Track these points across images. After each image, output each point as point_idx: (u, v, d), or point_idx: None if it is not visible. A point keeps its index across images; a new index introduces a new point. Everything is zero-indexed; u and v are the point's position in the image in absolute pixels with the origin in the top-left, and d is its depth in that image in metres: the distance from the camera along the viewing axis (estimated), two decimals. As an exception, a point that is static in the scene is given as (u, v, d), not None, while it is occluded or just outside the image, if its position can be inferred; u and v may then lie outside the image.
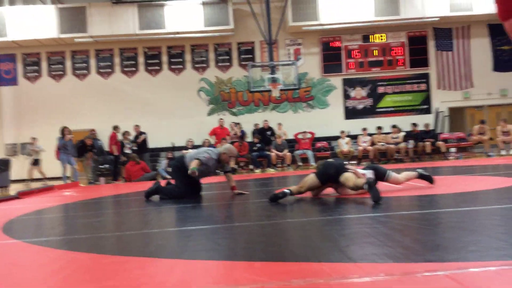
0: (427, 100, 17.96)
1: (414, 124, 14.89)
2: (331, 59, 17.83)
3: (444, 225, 3.13)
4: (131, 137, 14.12)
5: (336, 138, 15.73)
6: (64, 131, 12.37)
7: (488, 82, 17.90)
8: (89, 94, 17.25)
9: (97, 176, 13.25)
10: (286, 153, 14.07)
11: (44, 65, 17.42)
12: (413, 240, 2.71)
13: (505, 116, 17.81)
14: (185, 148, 14.40)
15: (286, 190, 5.13)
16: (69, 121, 15.48)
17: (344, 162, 5.45)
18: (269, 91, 14.93)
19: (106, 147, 14.36)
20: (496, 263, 2.04)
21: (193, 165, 5.96)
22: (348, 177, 5.00)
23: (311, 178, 5.23)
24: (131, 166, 12.52)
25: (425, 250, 2.42)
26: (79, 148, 13.04)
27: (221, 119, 15.58)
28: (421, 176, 5.58)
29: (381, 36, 17.85)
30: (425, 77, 17.96)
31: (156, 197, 6.47)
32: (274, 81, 14.07)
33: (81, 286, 2.17)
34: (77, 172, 12.57)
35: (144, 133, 14.21)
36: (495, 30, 17.60)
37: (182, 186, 6.30)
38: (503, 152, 13.58)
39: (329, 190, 5.52)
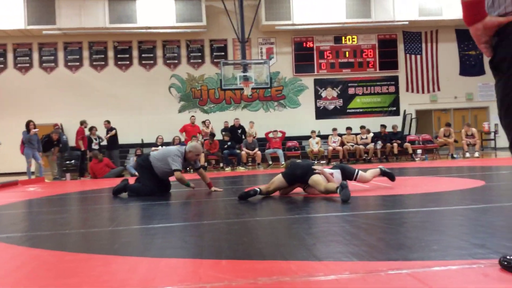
0: (395, 102, 18.31)
1: (383, 126, 15.14)
2: (303, 59, 17.97)
3: (408, 224, 3.18)
4: (98, 133, 13.89)
5: (307, 137, 15.84)
6: (29, 125, 12.05)
7: (454, 86, 18.39)
8: (56, 88, 16.87)
9: (63, 172, 12.97)
10: (257, 151, 14.09)
11: (10, 56, 16.93)
12: (378, 239, 2.75)
13: (471, 119, 18.33)
14: (155, 145, 14.24)
15: (256, 189, 5.13)
16: (35, 114, 15.08)
17: (313, 162, 5.48)
18: (241, 89, 14.93)
19: (72, 142, 14.10)
20: (457, 262, 2.09)
21: (181, 177, 6.20)
22: (317, 181, 5.04)
23: (278, 178, 5.26)
24: (94, 164, 12.27)
25: (389, 249, 2.46)
26: (45, 143, 12.72)
27: (193, 116, 15.47)
28: (384, 173, 5.69)
29: (353, 38, 18.10)
30: (394, 80, 18.31)
31: (124, 194, 6.38)
32: (246, 79, 14.07)
33: (43, 283, 2.11)
34: (42, 167, 12.26)
35: (114, 129, 13.97)
36: (462, 35, 18.09)
37: (149, 184, 6.25)
38: (467, 155, 13.95)
39: (298, 189, 5.56)
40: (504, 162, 10.00)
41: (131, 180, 6.81)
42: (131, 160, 13.59)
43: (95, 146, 13.46)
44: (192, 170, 7.04)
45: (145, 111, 17.17)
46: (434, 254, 2.27)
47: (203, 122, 15.44)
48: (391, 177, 5.69)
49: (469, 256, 2.18)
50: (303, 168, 5.23)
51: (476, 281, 1.81)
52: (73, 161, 13.35)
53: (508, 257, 1.94)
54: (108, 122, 14.13)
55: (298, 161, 5.59)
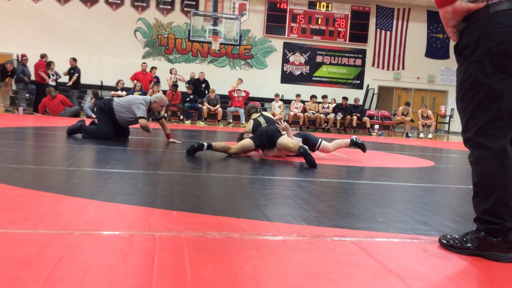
0: (360, 76, 18.51)
1: (345, 98, 15.33)
2: (275, 20, 17.74)
3: (358, 195, 3.28)
4: (56, 69, 13.37)
5: (269, 100, 15.86)
6: None
7: (418, 67, 18.73)
8: (14, 17, 15.98)
9: (15, 105, 12.47)
10: (218, 108, 14.00)
11: (-35, -23, 15.82)
12: (327, 206, 2.82)
13: (429, 101, 18.83)
14: (115, 88, 13.86)
15: (204, 143, 5.04)
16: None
17: (275, 124, 5.45)
18: (209, 43, 14.64)
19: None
20: (400, 235, 2.18)
21: (146, 125, 6.09)
22: (286, 144, 5.08)
23: (247, 141, 5.24)
24: (48, 100, 11.85)
25: (337, 216, 2.53)
26: (-1, 72, 12.14)
27: (144, 63, 14.81)
28: (355, 143, 5.66)
29: (327, 4, 17.96)
30: (362, 53, 18.43)
31: (78, 135, 6.24)
32: (215, 33, 13.80)
33: (-15, 216, 2.05)
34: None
35: (78, 71, 13.38)
36: (433, 17, 18.31)
37: (106, 128, 6.12)
38: (421, 135, 14.41)
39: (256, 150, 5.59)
40: (455, 146, 10.40)
41: (87, 122, 6.65)
42: (88, 101, 13.19)
43: (51, 82, 12.97)
44: (152, 119, 6.93)
45: (107, 53, 16.59)
46: (379, 225, 2.36)
47: (170, 71, 15.06)
48: (362, 148, 5.65)
49: (411, 231, 2.28)
50: (268, 133, 5.23)
51: (416, 254, 1.90)
52: (27, 95, 12.82)
53: (447, 236, 2.04)
54: (74, 60, 13.54)
55: (263, 126, 5.52)
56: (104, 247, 1.72)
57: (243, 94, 14.56)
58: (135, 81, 14.01)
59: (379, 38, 18.46)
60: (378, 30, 18.43)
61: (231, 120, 14.10)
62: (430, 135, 14.39)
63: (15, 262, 1.50)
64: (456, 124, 17.93)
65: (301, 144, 5.12)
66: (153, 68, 14.81)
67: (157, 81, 14.40)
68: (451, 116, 17.67)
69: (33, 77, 12.96)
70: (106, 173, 3.43)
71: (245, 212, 2.48)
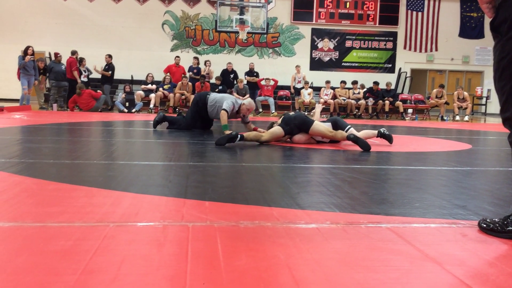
0: (392, 59, 18.13)
1: (376, 82, 15.04)
2: (303, 6, 17.53)
3: (392, 181, 3.21)
4: (89, 66, 13.59)
5: (299, 88, 15.70)
6: (27, 50, 11.67)
7: (452, 47, 18.20)
8: (44, 15, 16.34)
9: (50, 102, 12.79)
10: (247, 98, 13.97)
11: (-2, -22, 16.25)
12: (361, 192, 2.77)
13: (465, 82, 18.31)
14: (145, 82, 14.02)
15: (238, 134, 5.04)
16: (22, 41, 14.70)
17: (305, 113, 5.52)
18: (236, 32, 14.61)
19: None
20: (437, 220, 2.12)
21: (225, 117, 6.29)
22: (322, 130, 5.17)
23: (277, 128, 5.28)
24: (77, 97, 12.09)
25: (371, 202, 2.48)
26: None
27: (177, 57, 14.93)
28: (382, 135, 5.54)
29: (355, -12, 17.62)
30: (392, 36, 18.03)
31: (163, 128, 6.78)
32: (242, 22, 13.75)
33: (23, 209, 2.10)
34: (29, 95, 12.04)
35: (112, 68, 13.58)
36: (466, -5, 17.70)
37: (191, 119, 6.82)
38: (457, 118, 14.03)
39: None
40: (493, 128, 10.09)
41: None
42: (120, 96, 13.39)
43: (83, 79, 13.22)
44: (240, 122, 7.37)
45: (136, 47, 16.79)
46: (415, 211, 2.30)
47: (205, 63, 15.10)
48: (389, 140, 5.50)
49: (449, 215, 2.21)
50: (296, 118, 5.26)
51: (454, 239, 1.84)
52: (61, 92, 13.12)
53: (487, 219, 1.97)
54: (110, 56, 13.76)
55: (292, 113, 5.60)
56: (138, 238, 1.73)
57: (272, 83, 14.49)
58: (168, 74, 14.10)
59: (410, 20, 18.00)
60: (409, 11, 17.97)
61: (260, 110, 14.06)
62: (466, 118, 14.00)
63: (53, 254, 1.53)
64: (493, 106, 17.38)
65: (348, 135, 5.06)
66: (194, 58, 14.89)
67: (204, 77, 14.37)
68: (487, 97, 17.14)
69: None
70: (137, 166, 3.47)
71: (277, 200, 2.46)
